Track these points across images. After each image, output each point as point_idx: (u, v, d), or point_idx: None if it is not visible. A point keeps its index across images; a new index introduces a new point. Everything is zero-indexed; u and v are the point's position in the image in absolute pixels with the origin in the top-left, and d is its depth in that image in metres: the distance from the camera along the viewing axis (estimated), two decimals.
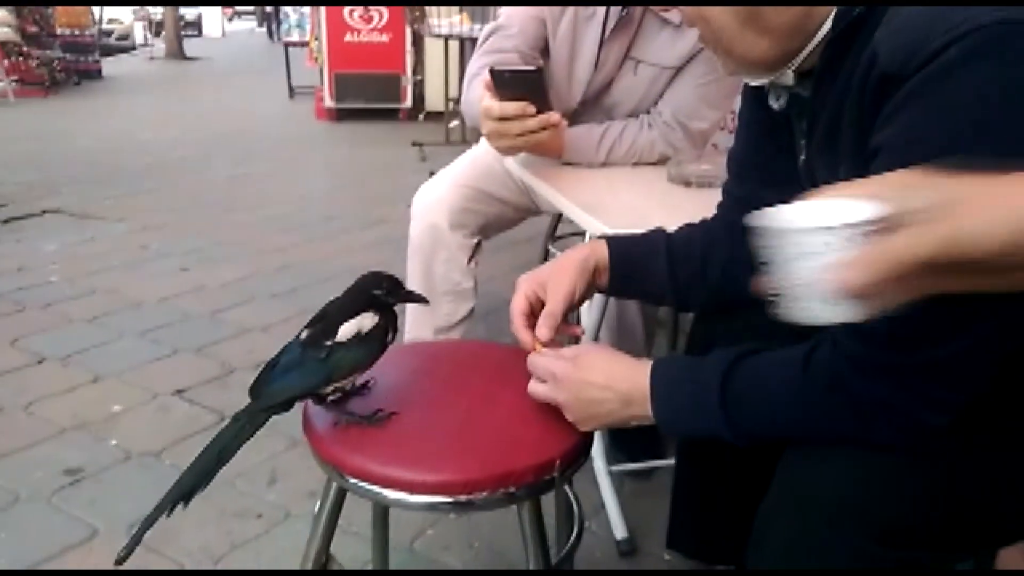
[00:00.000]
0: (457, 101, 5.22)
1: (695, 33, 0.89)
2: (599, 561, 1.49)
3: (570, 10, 1.56)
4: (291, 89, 8.40)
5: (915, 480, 0.73)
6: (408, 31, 6.61)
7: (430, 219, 1.75)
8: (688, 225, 1.11)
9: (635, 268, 1.08)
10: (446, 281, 1.78)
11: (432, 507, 0.86)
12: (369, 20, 6.60)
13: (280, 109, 7.86)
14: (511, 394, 0.95)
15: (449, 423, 0.92)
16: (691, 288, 1.08)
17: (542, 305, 1.01)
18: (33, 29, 8.01)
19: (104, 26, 11.36)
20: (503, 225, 1.88)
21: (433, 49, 6.40)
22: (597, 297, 1.45)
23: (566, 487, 1.10)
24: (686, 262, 1.07)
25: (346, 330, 0.90)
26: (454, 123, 5.68)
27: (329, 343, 0.90)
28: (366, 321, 0.90)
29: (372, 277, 0.93)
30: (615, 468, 1.65)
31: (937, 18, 0.66)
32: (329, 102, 6.78)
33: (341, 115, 6.82)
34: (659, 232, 1.10)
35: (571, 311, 1.04)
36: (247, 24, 24.89)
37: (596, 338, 1.56)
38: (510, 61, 1.52)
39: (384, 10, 6.55)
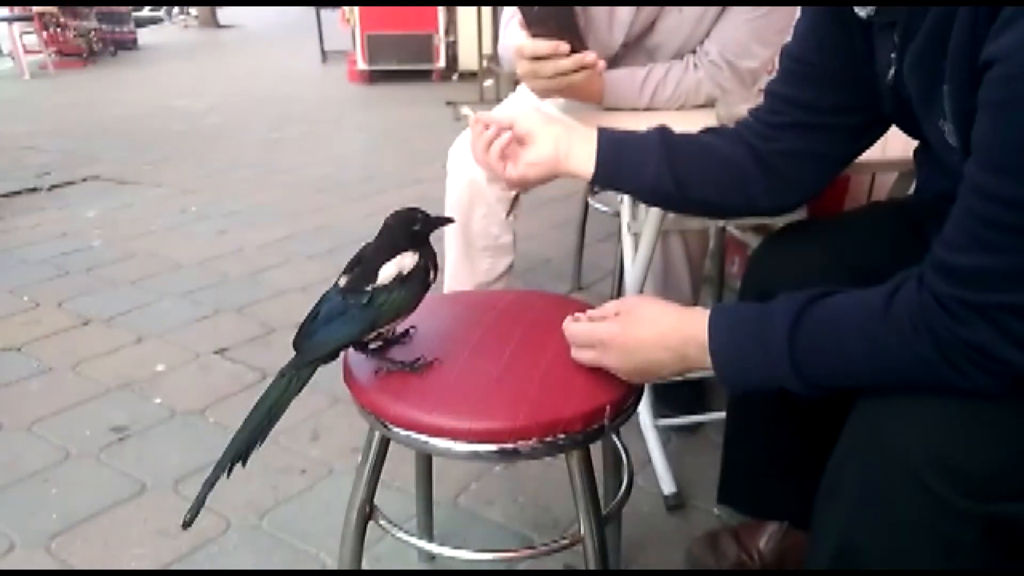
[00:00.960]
0: (492, 59, 5.14)
1: None
2: (646, 516, 1.46)
3: None
4: (324, 53, 8.34)
5: (1005, 426, 0.68)
6: None
7: (467, 173, 1.70)
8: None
9: (626, 153, 1.01)
10: (485, 236, 1.74)
11: (477, 456, 0.83)
12: (401, 5, 6.49)
13: (313, 73, 7.83)
14: (556, 341, 0.91)
15: (493, 370, 0.89)
16: (696, 182, 1.01)
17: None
18: None
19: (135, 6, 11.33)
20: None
21: (466, 8, 6.28)
22: (642, 251, 1.40)
23: (614, 437, 1.07)
24: (690, 156, 1.01)
25: (386, 272, 0.86)
26: (488, 82, 5.59)
27: (370, 288, 0.87)
28: (406, 261, 0.87)
29: (403, 214, 0.89)
30: (661, 422, 1.61)
31: None
32: (362, 64, 6.72)
33: (374, 77, 6.77)
34: (656, 128, 1.03)
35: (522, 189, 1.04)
36: None
37: (641, 292, 1.51)
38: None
39: None
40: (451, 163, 1.75)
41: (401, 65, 6.70)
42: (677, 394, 1.69)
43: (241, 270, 2.64)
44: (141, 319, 2.28)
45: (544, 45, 1.26)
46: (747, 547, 1.26)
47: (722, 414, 1.65)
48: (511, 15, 1.53)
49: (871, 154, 1.30)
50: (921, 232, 0.97)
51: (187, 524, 0.87)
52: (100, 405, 1.83)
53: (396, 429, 0.85)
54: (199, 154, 4.39)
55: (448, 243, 1.79)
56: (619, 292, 2.06)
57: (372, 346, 0.92)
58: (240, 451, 0.86)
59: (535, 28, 1.27)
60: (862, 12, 0.83)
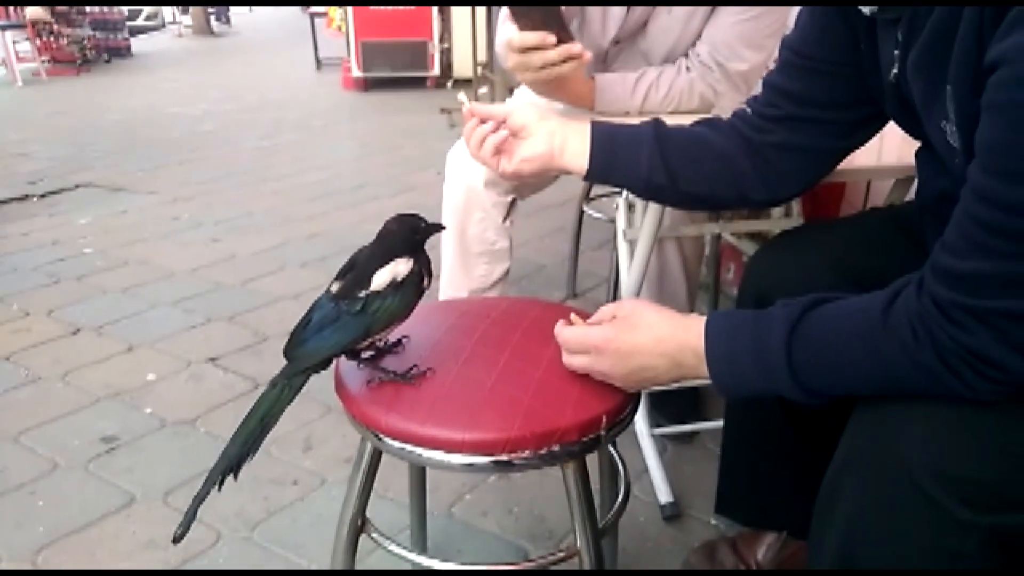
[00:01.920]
0: (486, 66, 5.13)
1: None
2: (643, 526, 1.44)
3: None
4: (318, 60, 8.34)
5: (1006, 434, 0.66)
6: None
7: (465, 178, 1.69)
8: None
9: (619, 148, 1.00)
10: (481, 242, 1.73)
11: (471, 467, 0.81)
12: (393, 5, 6.50)
13: (307, 81, 7.82)
14: (552, 350, 0.89)
15: (487, 380, 0.87)
16: (689, 174, 1.01)
17: None
18: (63, 7, 8.03)
19: (132, 6, 11.30)
20: (538, 184, 1.82)
21: (460, 14, 6.28)
22: (638, 258, 1.39)
23: (611, 447, 1.05)
24: (683, 148, 1.00)
25: (380, 278, 0.85)
26: (483, 89, 5.59)
27: (363, 294, 0.85)
28: (400, 267, 0.85)
29: (406, 219, 0.88)
30: (657, 431, 1.60)
31: None
32: (356, 71, 6.72)
33: (369, 84, 6.77)
34: (650, 121, 1.02)
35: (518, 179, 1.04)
36: None
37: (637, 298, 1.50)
38: None
39: None
40: (449, 168, 1.74)
41: (395, 72, 6.71)
42: (673, 402, 1.67)
43: (233, 278, 2.62)
44: (132, 328, 2.26)
45: (531, 36, 1.27)
46: (745, 558, 1.25)
47: (719, 423, 1.63)
48: (504, 17, 1.53)
49: (866, 160, 1.30)
50: (920, 237, 0.96)
51: (177, 539, 0.85)
52: (89, 415, 1.81)
53: (389, 441, 0.83)
54: (192, 161, 4.37)
55: (444, 249, 1.77)
56: (614, 300, 2.05)
57: (365, 355, 0.91)
58: (231, 464, 0.84)
59: (522, 21, 1.29)
60: (866, 8, 0.82)
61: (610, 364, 0.83)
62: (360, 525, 0.94)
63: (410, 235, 0.86)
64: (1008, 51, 0.59)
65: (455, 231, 1.74)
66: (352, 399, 0.87)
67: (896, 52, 0.80)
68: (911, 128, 0.89)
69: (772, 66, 1.06)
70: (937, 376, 0.67)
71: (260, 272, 2.66)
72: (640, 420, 1.56)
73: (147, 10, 12.75)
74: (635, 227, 1.51)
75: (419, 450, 0.82)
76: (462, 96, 1.10)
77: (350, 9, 6.56)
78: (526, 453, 0.80)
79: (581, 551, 0.88)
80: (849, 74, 0.92)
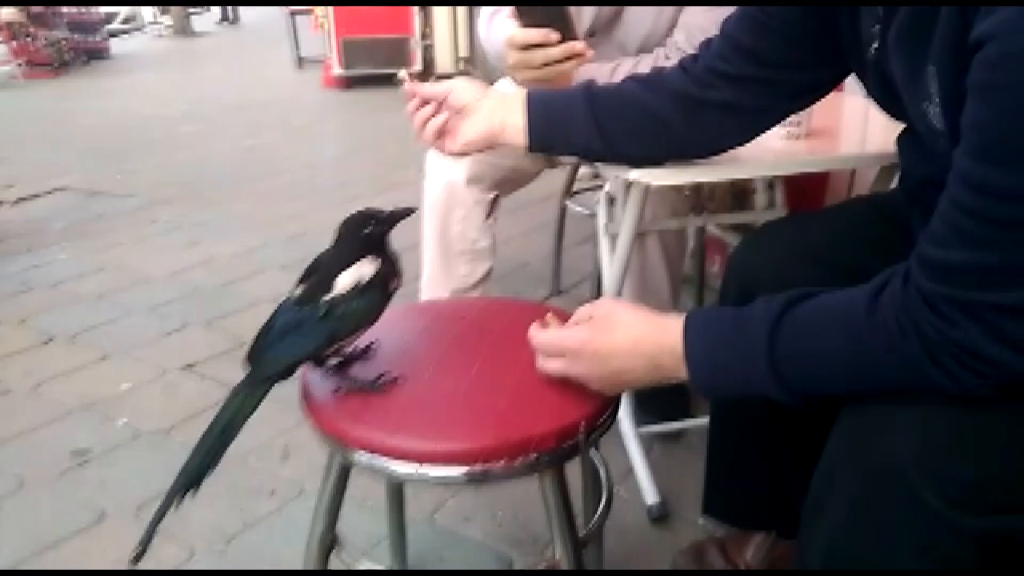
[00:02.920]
0: (468, 60, 5.08)
1: None
2: (629, 527, 1.41)
3: None
4: (299, 59, 8.24)
5: (999, 432, 0.63)
6: None
7: (445, 175, 1.65)
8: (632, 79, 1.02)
9: (554, 118, 0.99)
10: (462, 240, 1.69)
11: (444, 480, 0.77)
12: (375, 5, 6.43)
13: (288, 79, 7.73)
14: (527, 353, 0.85)
15: (460, 387, 0.83)
16: (621, 136, 1.00)
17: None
18: (38, 9, 7.91)
19: (108, 8, 11.11)
20: (520, 179, 1.78)
21: (440, 9, 6.23)
22: (619, 253, 1.35)
23: (592, 451, 1.01)
24: (614, 111, 0.98)
25: (344, 281, 0.81)
26: None
27: (327, 298, 0.81)
28: (365, 268, 0.81)
29: (359, 216, 0.83)
30: (643, 430, 1.56)
31: None
32: (337, 69, 6.64)
33: (350, 82, 6.69)
34: (581, 86, 1.01)
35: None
36: None
37: (619, 295, 1.46)
38: None
39: None
40: (429, 164, 1.70)
41: (377, 69, 6.63)
42: (660, 400, 1.64)
43: (211, 281, 2.57)
44: (107, 335, 2.20)
45: (535, 33, 1.25)
46: (733, 559, 1.22)
47: (706, 420, 1.60)
48: (491, 12, 1.49)
49: (850, 149, 1.27)
50: (906, 226, 0.93)
51: (135, 559, 0.81)
52: (60, 428, 1.76)
53: (357, 453, 0.79)
54: (172, 163, 4.30)
55: (425, 248, 1.74)
56: (599, 295, 2.01)
57: (331, 363, 0.87)
58: (190, 480, 0.81)
59: (526, 18, 1.27)
60: None
61: (586, 367, 0.79)
62: (330, 543, 0.90)
63: (366, 233, 0.82)
64: (995, 28, 0.55)
65: (435, 229, 1.70)
66: (317, 410, 0.83)
67: (876, 27, 0.77)
68: (893, 109, 0.86)
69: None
70: (925, 371, 0.63)
71: (239, 275, 2.61)
72: (625, 419, 1.53)
73: (124, 12, 12.58)
74: (616, 221, 1.48)
75: (388, 462, 0.78)
76: (403, 73, 1.08)
77: (330, 8, 6.48)
78: (501, 463, 0.76)
79: (561, 563, 0.84)
80: (816, 36, 0.89)
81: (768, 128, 1.02)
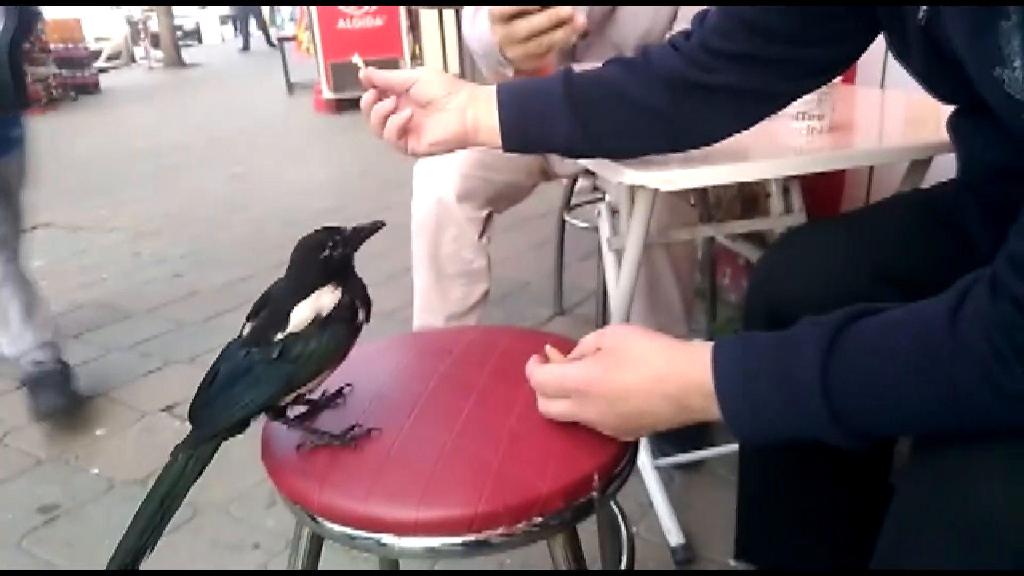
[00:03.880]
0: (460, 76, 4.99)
1: None
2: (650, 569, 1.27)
3: None
4: (289, 85, 8.18)
5: None
6: (403, 12, 6.36)
7: (435, 192, 1.53)
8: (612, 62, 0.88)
9: (531, 115, 0.86)
10: (456, 261, 1.56)
11: (433, 552, 0.64)
12: (361, 4, 6.36)
13: (279, 106, 7.66)
14: (525, 392, 0.72)
15: (447, 438, 0.70)
16: (606, 130, 0.87)
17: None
18: (24, 46, 7.84)
19: (92, 46, 10.98)
20: (514, 195, 1.65)
21: (428, 21, 6.14)
22: (626, 269, 1.22)
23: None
24: (597, 104, 0.85)
25: (300, 315, 0.68)
26: None
27: (280, 336, 0.68)
28: (325, 299, 0.68)
29: (316, 237, 0.70)
30: (662, 461, 1.42)
31: None
32: (327, 93, 6.56)
33: (341, 106, 6.60)
34: (559, 77, 0.87)
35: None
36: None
37: (627, 316, 1.33)
38: None
39: None
40: (417, 181, 1.58)
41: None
42: (678, 428, 1.49)
43: (195, 316, 2.44)
44: (83, 377, 2.06)
45: (513, 7, 1.11)
46: None
47: (729, 448, 1.47)
48: (474, 10, 1.38)
49: (868, 144, 1.13)
50: (961, 226, 0.80)
51: None
52: (28, 481, 1.62)
53: (325, 523, 0.66)
54: (159, 195, 4.19)
55: (416, 271, 1.61)
56: (604, 313, 1.88)
57: (293, 412, 0.73)
58: (128, 559, 0.67)
59: None
60: None
61: (597, 411, 0.66)
62: None
63: (324, 256, 0.69)
64: None
65: (426, 251, 1.57)
66: (279, 469, 0.70)
67: None
68: (946, 85, 0.73)
69: None
70: None
71: (223, 307, 2.48)
72: (643, 451, 1.39)
73: (108, 50, 12.52)
74: (620, 234, 1.35)
75: (364, 533, 0.64)
76: (357, 59, 0.94)
77: (317, 31, 6.41)
78: (500, 530, 0.63)
79: None
80: (836, 8, 0.76)
81: (771, 113, 0.90)
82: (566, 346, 0.75)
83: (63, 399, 1.85)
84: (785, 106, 0.91)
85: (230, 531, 1.42)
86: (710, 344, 0.63)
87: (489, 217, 1.60)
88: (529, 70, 1.25)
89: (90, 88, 9.18)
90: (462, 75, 4.91)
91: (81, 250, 3.26)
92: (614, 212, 1.39)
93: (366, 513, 0.63)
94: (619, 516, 0.88)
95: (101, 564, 1.32)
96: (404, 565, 1.13)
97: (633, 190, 1.27)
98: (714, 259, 2.08)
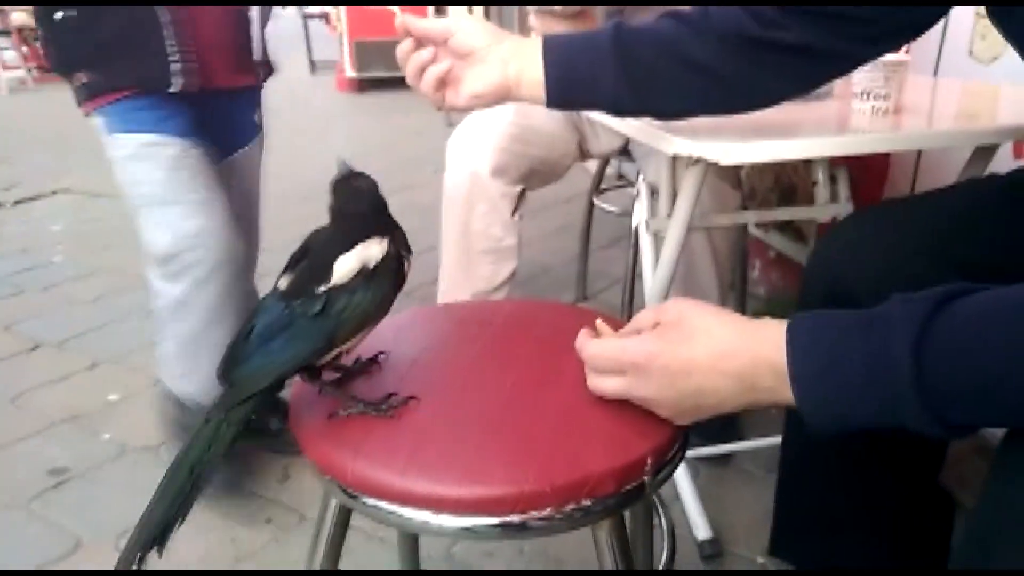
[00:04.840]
0: None
1: None
2: (679, 565, 1.22)
3: None
4: (312, 63, 8.14)
5: None
6: None
7: (469, 165, 1.49)
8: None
9: (577, 70, 0.81)
10: (486, 238, 1.52)
11: (472, 532, 0.59)
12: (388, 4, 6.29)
13: (302, 84, 7.61)
14: (573, 367, 0.67)
15: (490, 411, 0.65)
16: (656, 87, 0.82)
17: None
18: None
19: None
20: (549, 173, 1.61)
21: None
22: (667, 253, 1.16)
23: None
24: (650, 61, 0.80)
25: (344, 266, 0.63)
26: None
27: (323, 289, 0.63)
28: (372, 249, 0.64)
29: (365, 181, 0.66)
30: (689, 454, 1.37)
31: None
32: (350, 72, 6.51)
33: (363, 85, 6.56)
34: (609, 30, 0.82)
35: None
36: None
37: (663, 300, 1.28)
38: None
39: None
40: (451, 154, 1.54)
41: (390, 72, 6.48)
42: (706, 420, 1.45)
43: None
44: (97, 342, 2.04)
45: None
46: None
47: (758, 442, 1.42)
48: None
49: (915, 127, 1.06)
50: None
51: None
52: (39, 443, 1.59)
53: (359, 496, 0.61)
54: None
55: (444, 247, 1.57)
56: (631, 302, 1.83)
57: (327, 376, 0.69)
58: (153, 534, 0.62)
59: None
60: None
61: (656, 387, 0.61)
62: None
63: (380, 202, 0.64)
64: None
65: (457, 226, 1.53)
66: (309, 438, 0.65)
67: None
68: None
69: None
70: None
71: None
72: None
73: None
74: (659, 216, 1.30)
75: (398, 509, 0.60)
76: (395, 8, 0.88)
77: (343, 9, 6.36)
78: (546, 512, 0.58)
79: None
80: None
81: (835, 77, 0.85)
82: (616, 324, 0.70)
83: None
84: (850, 71, 0.85)
85: (241, 505, 1.38)
86: (782, 322, 0.58)
87: (522, 195, 1.56)
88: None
89: None
90: None
91: (98, 217, 3.24)
92: (653, 192, 1.34)
93: (403, 487, 0.59)
94: (658, 507, 0.83)
95: (109, 529, 1.30)
96: (426, 549, 1.09)
97: (675, 166, 1.22)
98: (745, 250, 2.02)
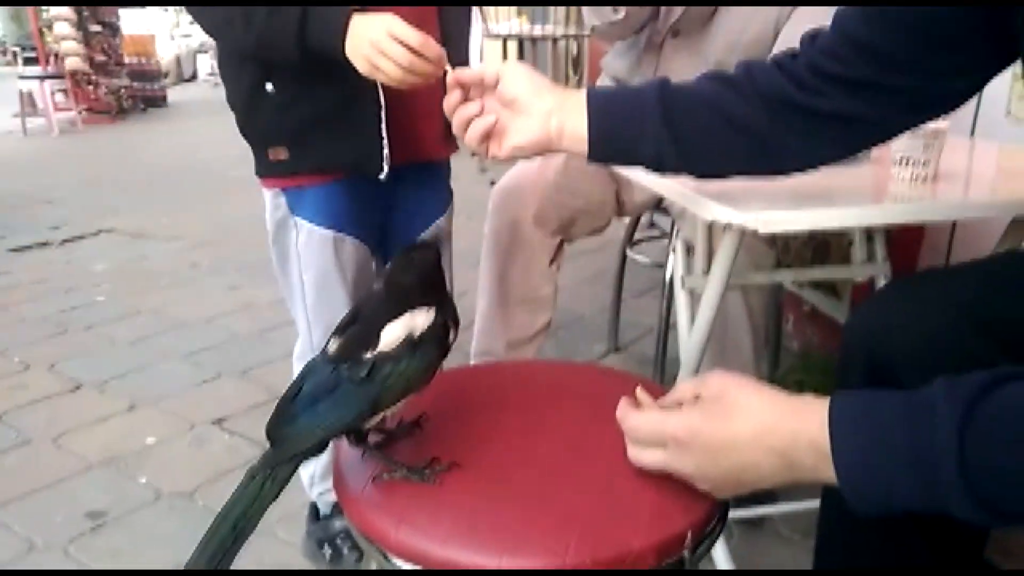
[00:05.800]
0: None
1: None
2: None
3: None
4: None
5: None
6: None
7: (512, 213, 1.52)
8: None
9: (620, 126, 0.82)
10: (524, 286, 1.54)
11: None
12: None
13: None
14: (613, 436, 0.68)
15: (531, 479, 0.66)
16: (700, 145, 0.82)
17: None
18: (101, 58, 8.15)
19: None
20: (587, 224, 1.63)
21: (491, 51, 6.20)
22: (704, 312, 1.17)
23: None
24: (693, 120, 0.81)
25: (392, 334, 0.65)
26: None
27: (370, 355, 0.65)
28: (419, 318, 0.65)
29: (422, 254, 0.68)
30: None
31: None
32: None
33: None
34: (654, 86, 0.83)
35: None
36: None
37: (700, 362, 1.27)
38: None
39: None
40: (494, 202, 1.57)
41: None
42: None
43: (249, 328, 2.45)
44: (137, 384, 2.08)
45: None
46: None
47: (792, 506, 1.40)
48: None
49: (954, 197, 1.06)
50: None
51: None
52: (78, 485, 1.62)
53: (400, 562, 0.62)
54: (220, 206, 4.26)
55: (481, 292, 1.59)
56: (664, 353, 1.83)
57: (371, 439, 0.70)
58: None
59: None
60: None
61: (696, 463, 0.61)
62: None
63: (433, 273, 0.66)
64: None
65: (495, 273, 1.56)
66: (353, 501, 0.66)
67: None
68: None
69: None
70: None
71: (278, 321, 2.48)
72: None
73: (167, 74, 12.77)
74: (695, 274, 1.30)
75: None
76: (447, 66, 0.91)
77: None
78: None
79: None
80: (970, 35, 0.70)
81: (875, 144, 0.85)
82: (654, 389, 0.71)
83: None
84: (891, 138, 0.86)
85: (275, 553, 1.39)
86: (824, 399, 0.59)
87: (560, 246, 1.58)
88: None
89: (158, 101, 9.48)
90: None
91: (140, 257, 3.32)
92: (689, 249, 1.35)
93: (444, 557, 0.60)
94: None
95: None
96: None
97: (712, 226, 1.23)
98: (780, 305, 2.01)
